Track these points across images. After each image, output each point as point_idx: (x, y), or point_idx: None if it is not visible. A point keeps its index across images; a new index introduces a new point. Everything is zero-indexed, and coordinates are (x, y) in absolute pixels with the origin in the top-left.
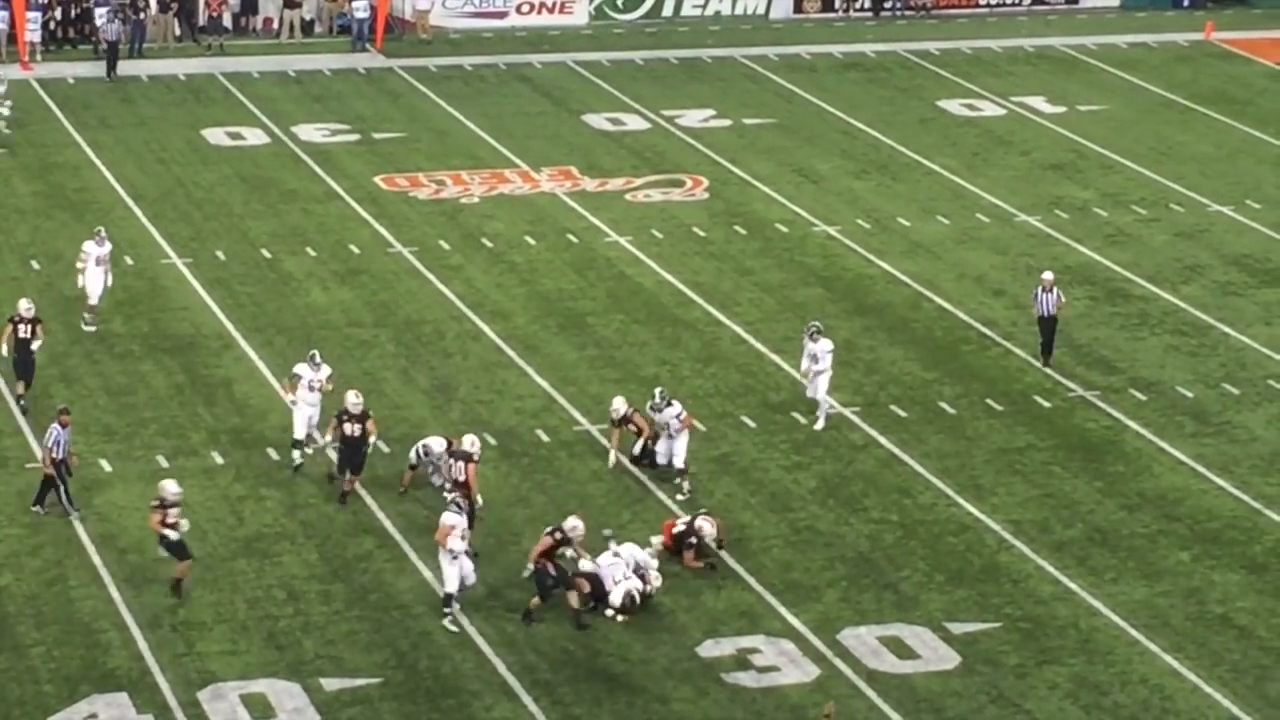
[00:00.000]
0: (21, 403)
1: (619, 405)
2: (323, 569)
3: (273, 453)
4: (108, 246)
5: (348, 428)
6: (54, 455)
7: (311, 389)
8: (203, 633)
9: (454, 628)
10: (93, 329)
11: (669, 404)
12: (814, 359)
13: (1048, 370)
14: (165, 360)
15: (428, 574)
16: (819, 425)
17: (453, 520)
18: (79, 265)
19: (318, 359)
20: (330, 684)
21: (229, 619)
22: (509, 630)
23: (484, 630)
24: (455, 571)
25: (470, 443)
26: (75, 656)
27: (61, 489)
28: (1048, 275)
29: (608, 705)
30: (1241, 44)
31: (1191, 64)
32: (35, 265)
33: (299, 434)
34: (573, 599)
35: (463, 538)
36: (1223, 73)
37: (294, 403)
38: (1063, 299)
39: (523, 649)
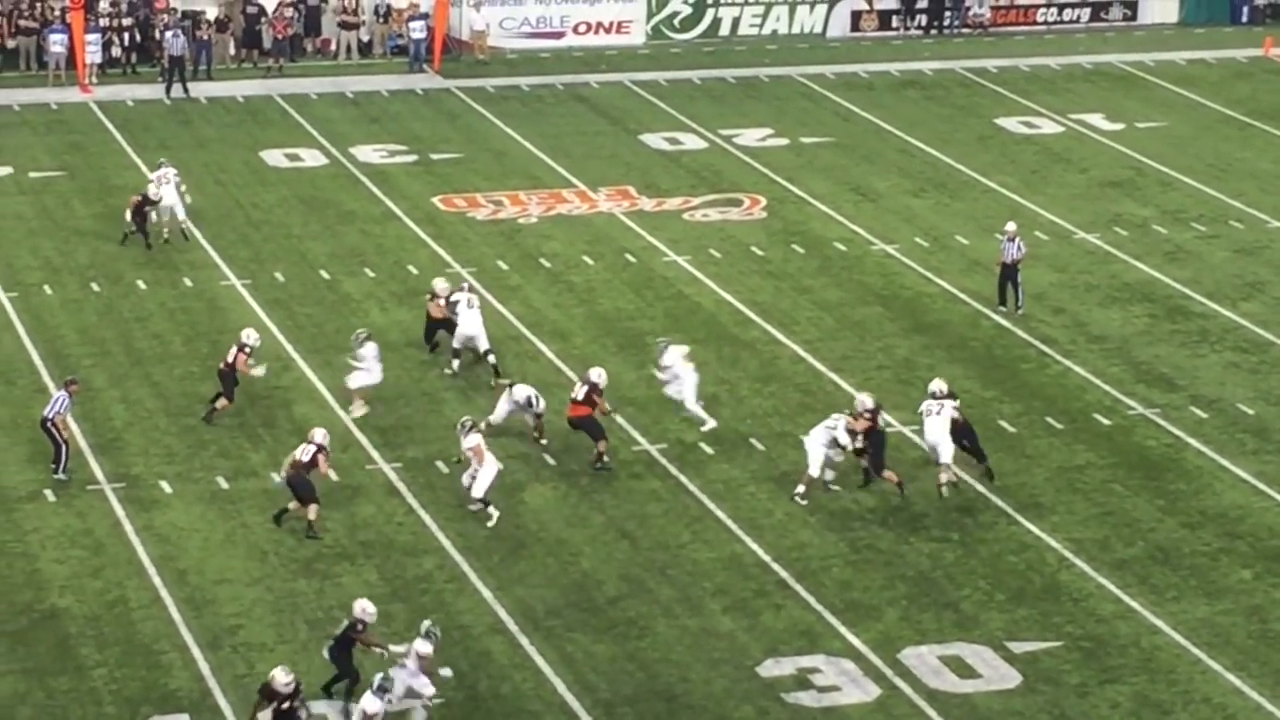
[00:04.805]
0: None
1: (866, 400)
2: (383, 589)
3: (331, 474)
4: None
5: None
6: None
7: None
8: (264, 654)
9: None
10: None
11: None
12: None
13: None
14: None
15: (487, 594)
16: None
17: None
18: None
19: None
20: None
21: (290, 640)
22: (568, 650)
23: (544, 650)
24: None
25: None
26: (136, 678)
27: None
28: (1011, 226)
29: None
30: None
31: (1250, 80)
32: (95, 287)
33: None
34: None
35: None
36: None
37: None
38: (1023, 249)
39: (583, 669)
